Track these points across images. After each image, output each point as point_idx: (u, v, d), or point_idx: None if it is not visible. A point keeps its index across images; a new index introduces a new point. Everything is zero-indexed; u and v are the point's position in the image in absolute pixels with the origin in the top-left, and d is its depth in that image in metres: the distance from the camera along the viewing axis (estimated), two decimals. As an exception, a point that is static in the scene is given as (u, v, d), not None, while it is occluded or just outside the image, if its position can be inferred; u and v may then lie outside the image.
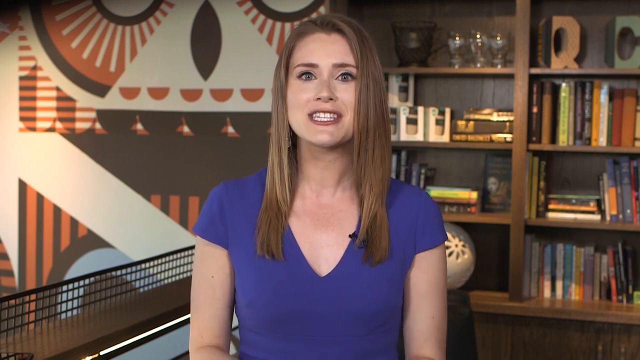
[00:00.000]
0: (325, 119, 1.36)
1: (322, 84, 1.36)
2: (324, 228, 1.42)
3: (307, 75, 1.38)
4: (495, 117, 3.27)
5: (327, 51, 1.37)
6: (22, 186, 4.16)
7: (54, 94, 4.09)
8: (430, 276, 1.46)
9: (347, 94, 1.37)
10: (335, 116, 1.36)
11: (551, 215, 3.21)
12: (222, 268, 1.44)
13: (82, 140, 4.05)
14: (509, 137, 3.23)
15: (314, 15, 3.63)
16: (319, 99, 1.35)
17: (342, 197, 1.45)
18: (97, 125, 4.02)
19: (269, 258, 1.39)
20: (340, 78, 1.38)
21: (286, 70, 1.41)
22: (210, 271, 1.44)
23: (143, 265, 2.64)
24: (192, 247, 2.89)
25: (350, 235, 1.41)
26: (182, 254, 2.88)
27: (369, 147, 1.38)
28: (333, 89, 1.36)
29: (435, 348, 1.46)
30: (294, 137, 1.43)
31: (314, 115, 1.36)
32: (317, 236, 1.42)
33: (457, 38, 3.29)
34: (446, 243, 2.82)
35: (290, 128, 1.41)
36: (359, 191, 1.43)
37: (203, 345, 1.43)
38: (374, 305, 1.37)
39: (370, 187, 1.40)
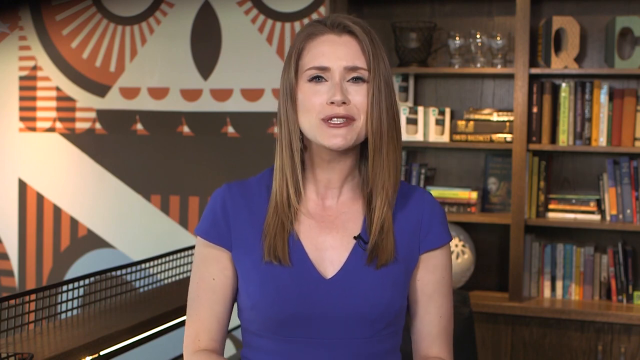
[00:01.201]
0: (339, 122, 1.34)
1: (334, 87, 1.35)
2: (328, 230, 1.42)
3: (318, 78, 1.37)
4: (495, 117, 3.27)
5: (338, 54, 1.36)
6: (22, 186, 4.16)
7: (54, 94, 4.09)
8: (437, 276, 1.46)
9: (359, 96, 1.36)
10: (348, 120, 1.35)
11: (551, 215, 3.21)
12: (223, 270, 1.43)
13: (82, 140, 4.05)
14: (509, 137, 3.23)
15: (314, 16, 3.63)
16: (332, 103, 1.34)
17: (347, 199, 1.44)
18: (97, 125, 4.02)
19: (276, 264, 1.38)
20: (351, 81, 1.36)
21: (295, 72, 1.39)
22: (211, 273, 1.43)
23: (143, 265, 2.64)
24: (192, 247, 2.88)
25: (355, 237, 1.41)
26: (182, 254, 2.88)
27: (383, 150, 1.38)
28: (345, 92, 1.35)
29: (443, 348, 1.47)
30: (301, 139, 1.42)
31: (329, 120, 1.35)
32: (322, 238, 1.41)
33: (457, 38, 3.29)
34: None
35: (300, 130, 1.40)
36: (363, 192, 1.43)
37: (200, 349, 1.42)
38: (379, 307, 1.37)
39: (383, 191, 1.39)
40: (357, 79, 1.36)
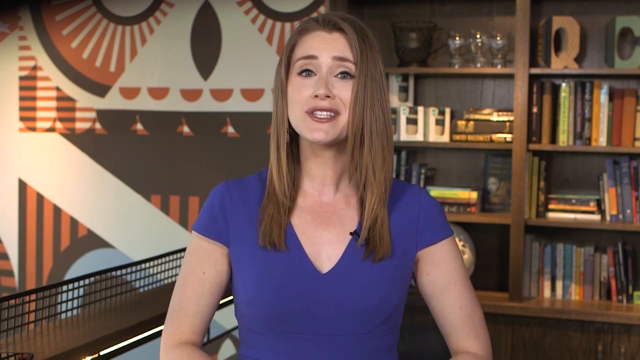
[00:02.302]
0: (322, 117, 1.36)
1: (320, 80, 1.37)
2: (324, 226, 1.43)
3: (307, 72, 1.39)
4: (495, 117, 3.27)
5: (327, 46, 1.38)
6: (22, 186, 4.16)
7: (54, 94, 4.09)
8: (447, 268, 1.45)
9: (344, 91, 1.37)
10: (332, 114, 1.36)
11: (551, 215, 3.21)
12: (215, 265, 1.43)
13: (82, 140, 4.05)
14: (509, 137, 3.23)
15: (314, 15, 3.63)
16: (316, 96, 1.36)
17: (344, 195, 1.45)
18: (97, 125, 4.02)
19: (270, 249, 1.39)
20: (339, 76, 1.38)
21: (287, 66, 1.42)
22: (202, 267, 1.43)
23: (143, 265, 2.64)
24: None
25: (351, 233, 1.41)
26: (182, 254, 2.88)
27: (365, 147, 1.38)
28: (331, 86, 1.37)
29: (472, 339, 1.45)
30: (295, 135, 1.44)
31: (313, 112, 1.37)
32: (318, 234, 1.42)
33: (457, 38, 3.29)
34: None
35: (291, 125, 1.42)
36: (359, 190, 1.43)
37: (181, 341, 1.42)
38: (375, 301, 1.37)
39: (371, 188, 1.40)
40: (344, 75, 1.38)
